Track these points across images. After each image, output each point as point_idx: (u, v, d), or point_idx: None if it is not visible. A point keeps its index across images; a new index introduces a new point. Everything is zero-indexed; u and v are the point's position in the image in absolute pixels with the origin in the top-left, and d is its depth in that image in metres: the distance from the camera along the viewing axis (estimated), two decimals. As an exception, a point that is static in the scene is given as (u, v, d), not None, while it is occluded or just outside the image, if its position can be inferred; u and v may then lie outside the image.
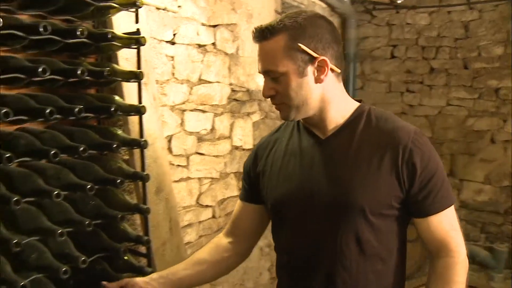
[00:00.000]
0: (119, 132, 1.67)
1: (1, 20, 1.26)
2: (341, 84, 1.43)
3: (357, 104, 1.45)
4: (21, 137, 1.43)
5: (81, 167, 1.57)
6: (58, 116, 1.41)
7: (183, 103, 2.48)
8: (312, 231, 1.41)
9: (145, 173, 1.66)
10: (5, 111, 1.26)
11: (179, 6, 2.34)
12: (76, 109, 1.43)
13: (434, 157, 1.39)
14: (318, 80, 1.34)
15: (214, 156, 2.74)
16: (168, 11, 2.27)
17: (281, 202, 1.47)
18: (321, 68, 1.33)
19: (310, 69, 1.33)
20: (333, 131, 1.42)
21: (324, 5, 4.26)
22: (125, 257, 1.73)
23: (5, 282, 1.32)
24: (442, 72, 4.64)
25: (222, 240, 1.63)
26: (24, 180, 1.40)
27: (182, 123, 2.47)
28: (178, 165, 2.47)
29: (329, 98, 1.38)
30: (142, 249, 1.85)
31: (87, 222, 1.47)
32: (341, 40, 1.41)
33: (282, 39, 1.31)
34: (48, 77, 1.38)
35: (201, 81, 2.60)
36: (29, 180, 1.40)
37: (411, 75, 4.76)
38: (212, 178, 2.74)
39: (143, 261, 1.85)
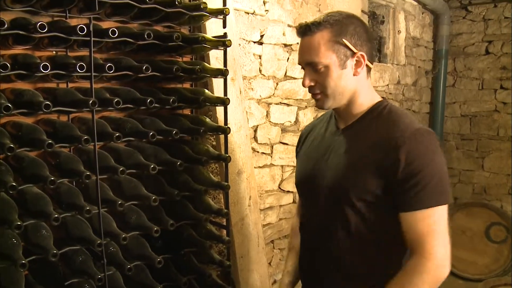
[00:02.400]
0: (207, 120, 1.98)
1: (116, 30, 1.61)
2: (370, 79, 1.61)
3: (379, 99, 1.61)
4: (128, 121, 1.78)
5: (174, 148, 1.90)
6: (157, 105, 1.75)
7: (269, 97, 2.76)
8: (316, 208, 1.63)
9: (227, 155, 1.96)
10: (117, 100, 1.61)
11: (266, 10, 2.62)
12: (171, 100, 1.76)
13: (426, 156, 1.43)
14: (355, 73, 1.53)
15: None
16: (256, 15, 2.56)
17: (299, 180, 1.75)
18: (358, 63, 1.52)
19: (350, 63, 1.51)
20: (350, 122, 1.60)
21: (415, 2, 4.33)
22: (207, 227, 2.05)
23: (111, 234, 1.68)
24: (539, 68, 4.53)
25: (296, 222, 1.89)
26: (128, 155, 1.75)
27: (267, 115, 2.76)
28: (263, 153, 2.77)
29: (359, 91, 1.56)
30: (223, 222, 2.16)
31: (176, 193, 1.81)
32: (374, 38, 1.59)
33: (327, 34, 1.49)
34: (150, 74, 1.71)
35: (286, 77, 2.87)
36: (132, 156, 1.75)
37: (506, 72, 4.70)
38: (293, 166, 2.99)
39: (223, 232, 2.15)
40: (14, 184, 1.41)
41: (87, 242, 1.63)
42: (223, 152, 2.09)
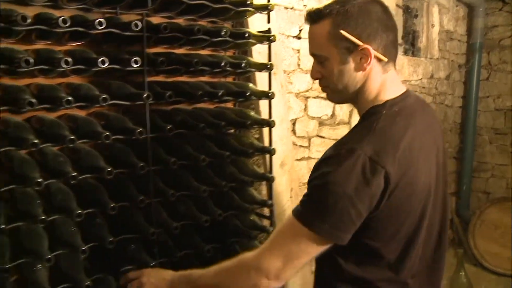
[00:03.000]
0: (252, 113, 2.03)
1: (167, 25, 1.66)
2: (389, 73, 1.39)
3: (389, 98, 1.38)
4: (177, 113, 1.84)
5: (221, 140, 1.95)
6: (205, 98, 1.80)
7: (307, 90, 2.80)
8: None
9: (272, 147, 2.00)
10: (168, 94, 1.67)
11: (304, 5, 2.66)
12: (220, 93, 1.81)
13: (322, 172, 1.27)
14: (360, 68, 1.34)
15: (333, 139, 3.03)
16: (295, 9, 2.60)
17: None
18: (364, 56, 1.32)
19: (353, 57, 1.33)
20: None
21: (447, -5, 4.33)
22: (251, 218, 2.10)
23: (162, 225, 1.74)
24: None
25: None
26: (178, 147, 1.81)
27: (305, 109, 2.80)
28: (301, 146, 2.81)
29: (367, 88, 1.38)
30: (266, 212, 2.21)
31: (224, 184, 1.86)
32: (394, 28, 1.39)
33: (327, 25, 1.32)
34: (200, 68, 1.76)
35: (323, 71, 2.89)
36: (182, 147, 1.80)
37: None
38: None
39: (266, 223, 2.20)
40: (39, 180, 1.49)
41: (140, 231, 1.69)
42: (267, 145, 2.13)
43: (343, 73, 1.35)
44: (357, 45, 1.31)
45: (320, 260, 1.48)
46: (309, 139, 2.87)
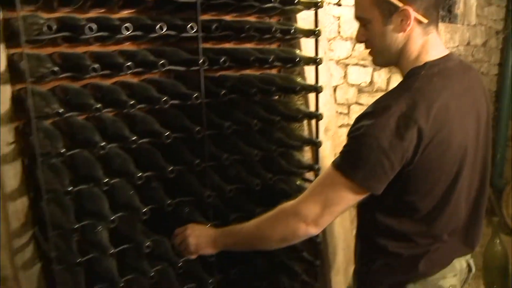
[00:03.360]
0: (299, 79, 2.05)
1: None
2: (430, 35, 1.43)
3: (429, 59, 1.42)
4: (227, 79, 1.87)
5: (269, 106, 1.98)
6: (256, 64, 1.83)
7: (347, 58, 2.80)
8: None
9: (319, 112, 2.03)
10: (223, 59, 1.70)
11: (346, -28, 2.65)
12: (270, 59, 1.83)
13: (360, 125, 1.34)
14: (401, 30, 1.38)
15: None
16: (337, -24, 2.59)
17: None
18: (405, 18, 1.36)
19: (394, 18, 1.36)
20: None
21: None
22: (298, 182, 2.13)
23: (216, 188, 1.78)
24: None
25: None
26: (230, 112, 1.85)
27: (345, 76, 2.81)
28: (341, 113, 2.82)
29: (408, 49, 1.42)
30: (310, 176, 2.24)
31: (274, 148, 1.90)
32: None
33: None
34: (250, 34, 1.78)
35: (363, 38, 2.89)
36: (234, 112, 1.84)
37: None
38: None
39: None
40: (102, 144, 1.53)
41: (196, 194, 1.74)
42: (313, 110, 2.16)
43: (385, 35, 1.40)
44: (397, 7, 1.35)
45: (360, 214, 1.60)
46: (349, 106, 2.88)
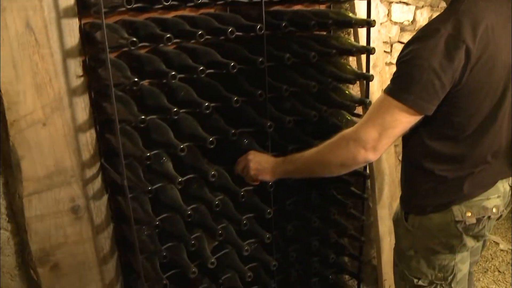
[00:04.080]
0: (350, 13, 2.05)
1: None
2: None
3: None
4: (285, 14, 1.89)
5: (323, 41, 2.00)
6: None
7: (390, -5, 2.78)
8: None
9: (371, 46, 2.04)
10: (284, 24, 1.75)
11: None
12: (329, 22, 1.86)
13: (409, 50, 1.40)
14: None
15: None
16: None
17: None
18: None
19: None
20: None
21: None
22: (348, 117, 2.16)
23: (276, 120, 1.82)
24: None
25: None
26: (286, 45, 1.87)
27: (388, 14, 2.78)
28: (384, 51, 2.81)
29: None
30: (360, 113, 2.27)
31: (329, 81, 1.93)
32: None
33: None
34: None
35: (406, -25, 2.86)
36: (290, 45, 1.87)
37: None
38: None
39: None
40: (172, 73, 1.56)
41: (257, 124, 1.78)
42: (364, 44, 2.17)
43: None
44: None
45: (407, 139, 1.66)
46: (391, 45, 2.87)
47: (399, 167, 2.98)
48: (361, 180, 2.32)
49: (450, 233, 1.59)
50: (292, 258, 2.16)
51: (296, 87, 1.86)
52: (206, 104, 1.57)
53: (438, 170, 1.57)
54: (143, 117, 1.48)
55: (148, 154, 1.52)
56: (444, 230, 1.60)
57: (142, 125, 1.49)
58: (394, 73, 1.45)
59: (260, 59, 1.67)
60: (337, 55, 1.93)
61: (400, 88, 1.40)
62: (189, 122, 1.67)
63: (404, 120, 1.43)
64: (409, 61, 1.39)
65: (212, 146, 1.60)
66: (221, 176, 1.80)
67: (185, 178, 1.66)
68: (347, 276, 2.68)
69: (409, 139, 1.64)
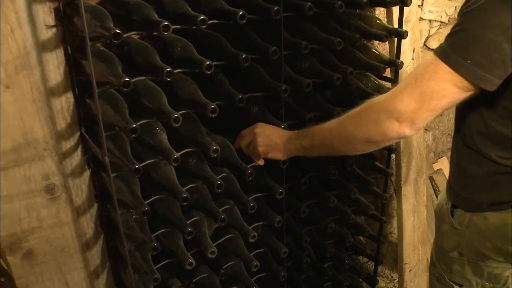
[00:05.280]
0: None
1: None
2: None
3: None
4: None
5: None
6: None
7: None
8: None
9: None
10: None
11: None
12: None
13: (474, 1, 1.04)
14: None
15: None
16: None
17: None
18: None
19: None
20: None
21: None
22: (375, 80, 1.85)
23: (267, 88, 1.51)
24: None
25: None
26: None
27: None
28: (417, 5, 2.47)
29: None
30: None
31: (357, 36, 1.61)
32: None
33: None
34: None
35: None
36: None
37: None
38: (441, 22, 2.69)
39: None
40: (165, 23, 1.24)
41: (270, 89, 1.48)
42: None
43: None
44: None
45: (462, 115, 1.31)
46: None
47: (428, 136, 2.71)
48: (385, 153, 2.02)
49: (509, 238, 1.28)
50: (305, 243, 1.89)
51: (317, 43, 1.54)
52: (208, 63, 1.26)
53: (500, 157, 1.23)
54: (127, 79, 1.17)
55: (134, 126, 1.21)
56: (501, 234, 1.29)
57: (126, 89, 1.17)
58: (453, 27, 1.10)
59: (276, 8, 1.34)
60: (368, 6, 1.59)
61: (454, 50, 1.06)
62: (186, 85, 1.36)
63: (453, 92, 1.09)
64: (472, 13, 1.04)
65: (214, 115, 1.30)
66: (225, 150, 1.51)
67: (181, 152, 1.37)
68: (362, 258, 2.41)
69: (464, 113, 1.30)
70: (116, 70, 1.21)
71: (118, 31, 1.12)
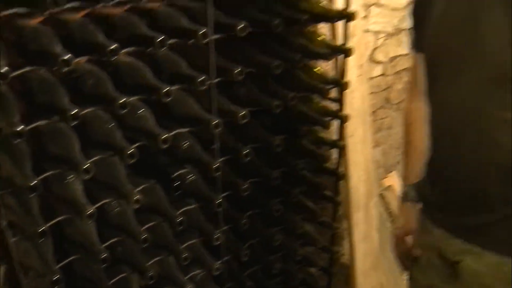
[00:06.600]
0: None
1: None
2: None
3: None
4: None
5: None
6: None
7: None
8: None
9: (350, 11, 1.54)
10: None
11: None
12: None
13: None
14: None
15: (392, 9, 2.53)
16: None
17: None
18: None
19: None
20: None
21: None
22: (315, 101, 1.68)
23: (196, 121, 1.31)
24: None
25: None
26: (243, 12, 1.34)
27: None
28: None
29: None
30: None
31: (298, 57, 1.43)
32: None
33: None
34: None
35: None
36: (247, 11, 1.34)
37: None
38: (387, 33, 2.56)
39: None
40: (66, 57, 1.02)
41: (200, 122, 1.27)
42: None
43: None
44: None
45: None
46: (368, 8, 2.37)
47: (377, 151, 2.58)
48: (333, 180, 1.86)
49: None
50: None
51: (253, 67, 1.35)
52: (123, 100, 1.05)
53: None
54: (20, 127, 0.94)
55: (32, 184, 0.98)
56: None
57: (20, 139, 0.95)
58: None
59: (203, 31, 1.14)
60: (309, 23, 1.42)
61: None
62: (100, 125, 1.14)
63: None
64: None
65: (132, 161, 1.09)
66: (152, 194, 1.29)
67: (97, 205, 1.15)
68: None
69: None
70: (11, 116, 0.98)
71: (3, 70, 0.90)
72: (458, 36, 1.07)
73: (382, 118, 2.68)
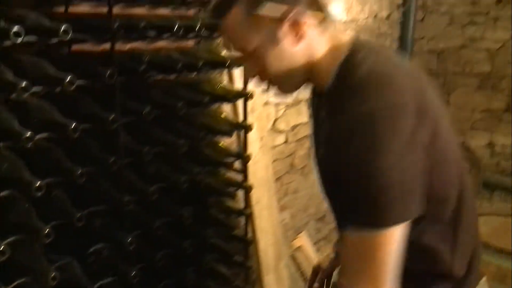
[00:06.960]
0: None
1: None
2: (327, 30, 1.05)
3: (345, 54, 1.02)
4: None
5: (195, 86, 1.63)
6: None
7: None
8: None
9: (249, 91, 1.72)
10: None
11: None
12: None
13: (360, 157, 0.90)
14: (297, 40, 1.01)
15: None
16: None
17: None
18: (295, 24, 1.00)
19: (282, 31, 1.00)
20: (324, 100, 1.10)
21: None
22: (221, 173, 1.82)
23: (108, 200, 1.41)
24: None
25: None
26: (148, 97, 1.48)
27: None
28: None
29: (316, 55, 1.04)
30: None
31: (202, 135, 1.58)
32: None
33: (238, 13, 1.00)
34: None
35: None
36: (153, 97, 1.48)
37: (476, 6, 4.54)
38: (287, 104, 2.78)
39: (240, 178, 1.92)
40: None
41: (110, 201, 1.37)
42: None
43: (281, 56, 1.02)
44: (281, 18, 0.98)
45: None
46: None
47: (286, 214, 2.72)
48: (242, 246, 1.98)
49: None
50: None
51: (161, 146, 1.48)
52: (38, 183, 1.14)
53: None
54: None
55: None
56: None
57: None
58: (343, 192, 0.97)
59: (112, 117, 1.26)
60: (211, 103, 1.58)
61: (376, 212, 0.91)
62: (16, 207, 1.22)
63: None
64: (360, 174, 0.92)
65: (48, 240, 1.16)
66: (68, 270, 1.36)
67: (13, 285, 1.20)
68: None
69: None
70: None
71: None
72: None
73: (288, 183, 2.85)
